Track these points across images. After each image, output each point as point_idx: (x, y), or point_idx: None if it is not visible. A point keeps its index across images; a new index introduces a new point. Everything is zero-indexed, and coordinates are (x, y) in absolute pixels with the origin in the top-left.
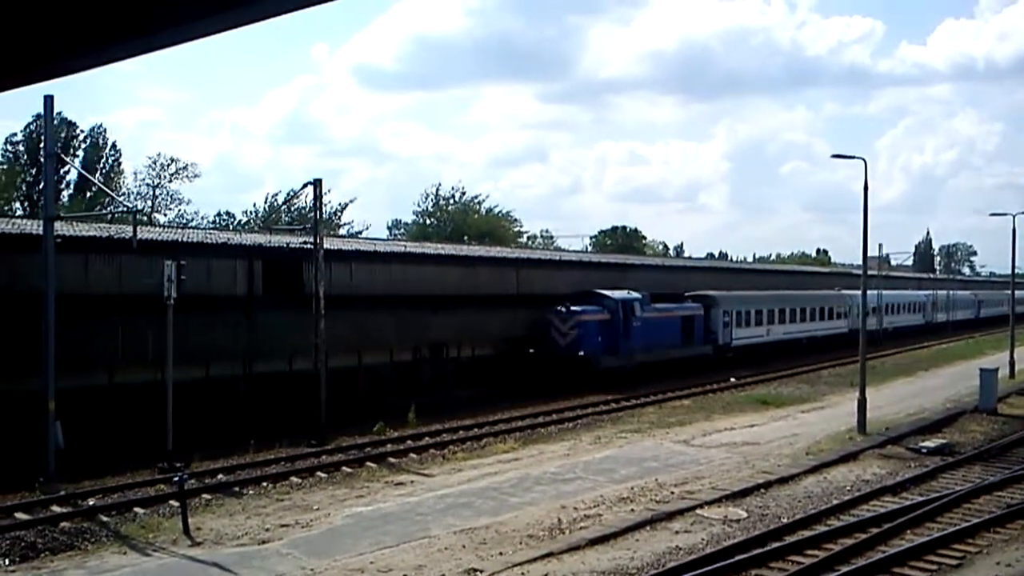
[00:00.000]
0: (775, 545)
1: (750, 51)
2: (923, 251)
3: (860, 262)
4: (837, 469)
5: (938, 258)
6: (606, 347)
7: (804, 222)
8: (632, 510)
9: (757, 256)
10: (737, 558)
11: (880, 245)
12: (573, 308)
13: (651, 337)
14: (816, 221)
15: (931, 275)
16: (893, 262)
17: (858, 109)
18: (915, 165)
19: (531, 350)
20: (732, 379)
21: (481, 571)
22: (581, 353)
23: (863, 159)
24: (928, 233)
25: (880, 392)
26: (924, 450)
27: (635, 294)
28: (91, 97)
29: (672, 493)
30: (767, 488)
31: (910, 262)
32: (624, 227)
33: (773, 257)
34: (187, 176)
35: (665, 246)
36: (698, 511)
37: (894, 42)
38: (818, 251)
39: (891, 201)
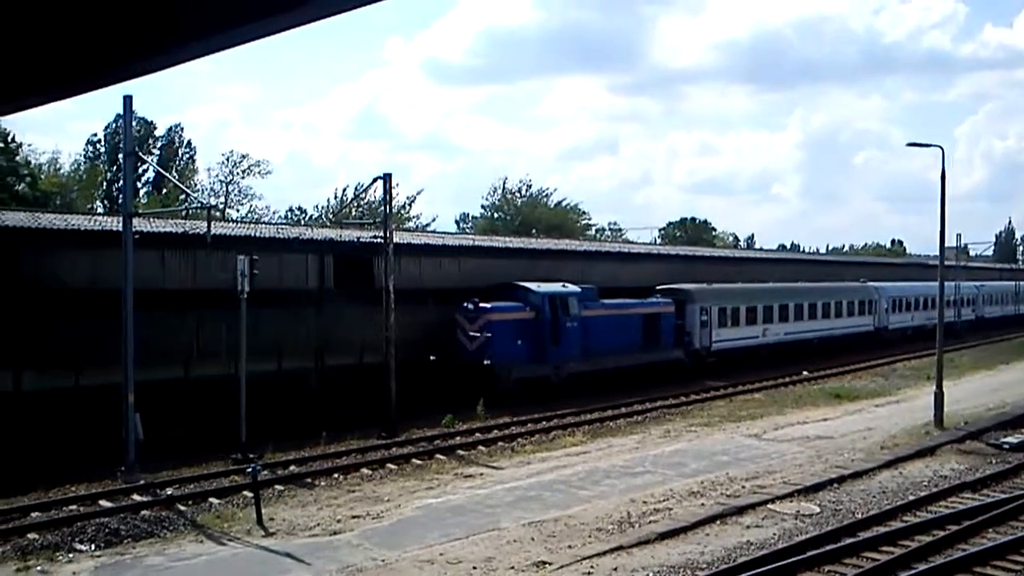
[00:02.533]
0: (848, 541)
1: (825, 39)
2: (1004, 241)
3: (937, 253)
4: (913, 464)
5: (1021, 248)
6: (526, 353)
7: (878, 212)
8: (702, 504)
9: (830, 247)
10: (809, 554)
11: (958, 235)
12: (482, 305)
13: (595, 340)
14: (891, 211)
15: (1012, 266)
16: (972, 252)
17: (936, 96)
18: (997, 152)
19: (432, 357)
20: (804, 372)
21: (550, 564)
22: (486, 362)
23: (940, 147)
24: (1010, 222)
25: (958, 386)
26: (1006, 446)
27: (571, 287)
28: (169, 97)
29: (743, 487)
30: (840, 483)
31: (990, 252)
32: (694, 219)
33: (846, 248)
34: (259, 172)
35: (735, 237)
36: (769, 505)
37: (978, 25)
38: (893, 242)
39: (971, 189)
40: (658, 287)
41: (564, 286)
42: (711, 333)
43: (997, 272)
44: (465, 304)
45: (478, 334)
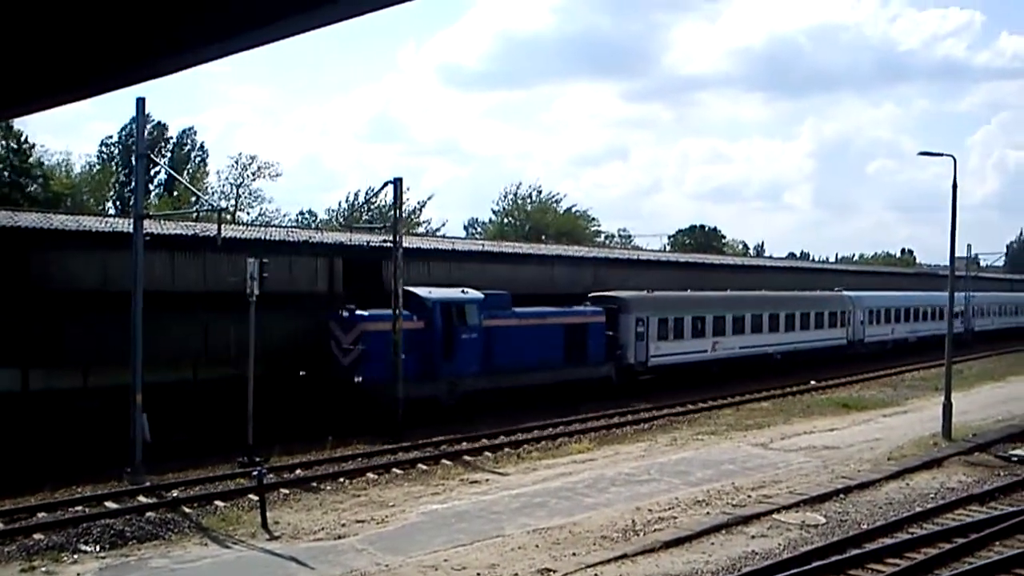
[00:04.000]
0: (854, 552)
1: (839, 47)
2: (1016, 251)
3: (947, 263)
4: (920, 475)
5: None
6: (411, 369)
7: (890, 221)
8: (708, 513)
9: (840, 256)
10: (815, 564)
11: (969, 245)
12: (358, 312)
13: (503, 355)
14: (902, 220)
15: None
16: (983, 263)
17: (950, 105)
18: (1010, 162)
19: (302, 372)
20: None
21: (555, 571)
22: (357, 379)
23: (952, 156)
24: (1021, 232)
25: (967, 397)
26: (1015, 458)
27: (473, 293)
28: (183, 100)
29: (749, 496)
30: (847, 493)
31: (1002, 262)
32: (703, 226)
33: (856, 257)
34: (269, 175)
35: (745, 245)
36: (775, 515)
37: (994, 33)
38: (903, 251)
39: (983, 199)
40: (590, 294)
41: (464, 291)
42: (648, 346)
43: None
44: (341, 311)
45: (352, 347)
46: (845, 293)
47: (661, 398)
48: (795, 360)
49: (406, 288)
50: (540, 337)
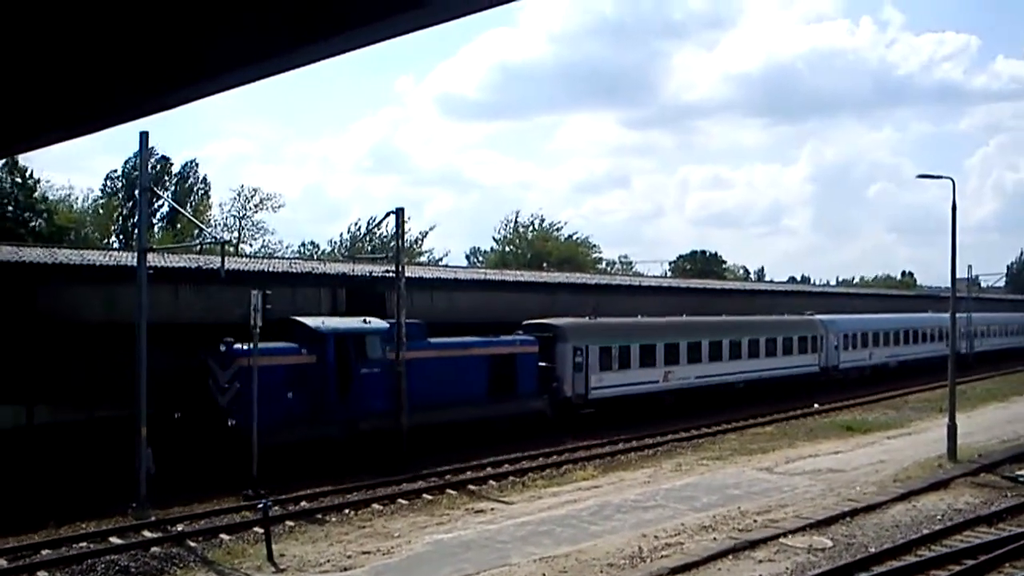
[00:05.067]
0: (862, 575)
1: (837, 72)
2: (1016, 272)
3: (948, 284)
4: (927, 497)
5: None
6: (299, 410)
7: (890, 244)
8: (714, 539)
9: (840, 279)
10: None
11: (969, 266)
12: (235, 346)
13: (412, 391)
14: (902, 243)
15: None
16: (984, 284)
17: (948, 127)
18: (1008, 183)
19: (177, 414)
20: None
21: None
22: (231, 422)
23: (951, 178)
24: (1021, 253)
25: (971, 418)
26: (1021, 478)
27: (376, 323)
28: (186, 133)
29: (755, 521)
30: (853, 516)
31: (1002, 284)
32: (704, 252)
33: (857, 280)
34: (271, 206)
35: (746, 270)
36: (782, 540)
37: (990, 56)
38: (903, 273)
39: (982, 221)
40: (525, 322)
41: (366, 321)
42: (588, 378)
43: (1008, 303)
44: (221, 344)
45: (228, 384)
46: (817, 317)
47: (602, 434)
48: (762, 389)
49: (293, 318)
50: (460, 370)
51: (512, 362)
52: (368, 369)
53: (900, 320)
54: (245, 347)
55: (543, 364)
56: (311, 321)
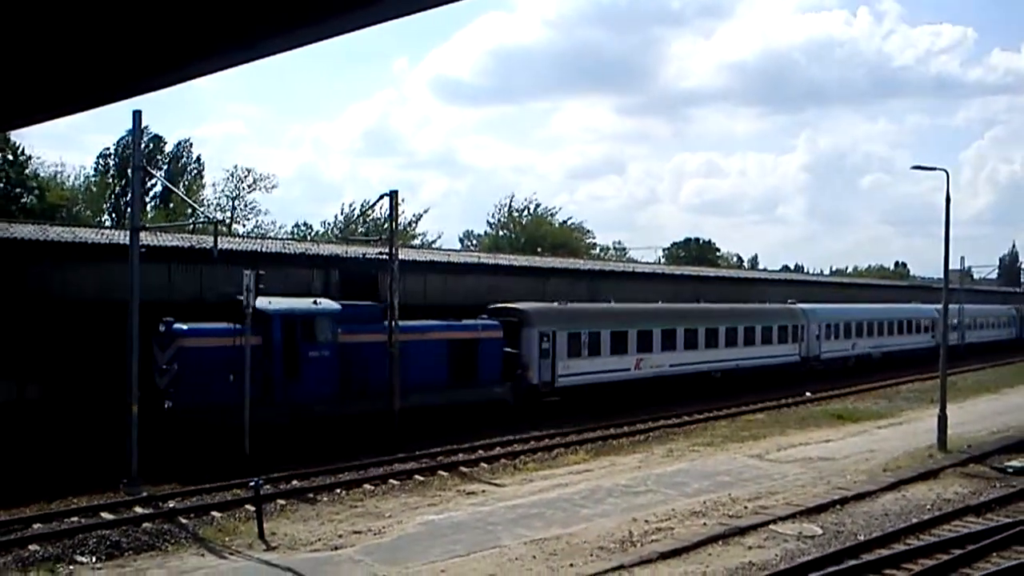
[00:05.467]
0: (851, 563)
1: (833, 62)
2: (1008, 264)
3: (941, 275)
4: (916, 487)
5: None
6: (251, 393)
7: (884, 235)
8: (704, 524)
9: (834, 269)
10: (811, 575)
11: (962, 258)
12: (176, 326)
13: (366, 375)
14: (896, 234)
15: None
16: (976, 275)
17: (943, 120)
18: (1002, 176)
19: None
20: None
21: None
22: (167, 404)
23: (945, 170)
24: (1014, 246)
25: (961, 409)
26: (1010, 469)
27: (325, 304)
28: (180, 112)
29: (745, 508)
30: (843, 504)
31: (995, 276)
32: (697, 239)
33: (850, 270)
34: (264, 187)
35: (739, 258)
36: (772, 526)
37: (986, 49)
38: (897, 264)
39: (976, 213)
40: (490, 306)
41: (317, 302)
42: (555, 365)
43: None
44: (160, 324)
45: (167, 366)
46: (799, 305)
47: (567, 422)
48: (740, 379)
49: (238, 297)
50: (417, 355)
51: (475, 347)
52: (317, 352)
53: (885, 311)
54: (186, 327)
55: (509, 350)
56: (257, 301)
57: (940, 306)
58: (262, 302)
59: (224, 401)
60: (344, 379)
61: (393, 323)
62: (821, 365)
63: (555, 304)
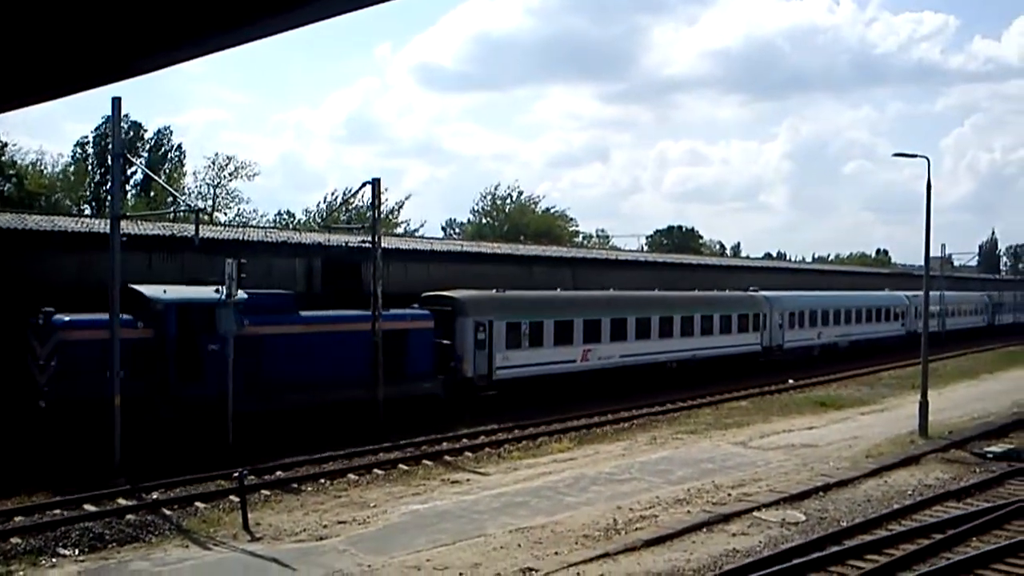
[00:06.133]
0: (834, 549)
1: (816, 49)
2: (988, 251)
3: (922, 263)
4: (898, 473)
5: (1004, 259)
6: (131, 391)
7: (866, 222)
8: (688, 511)
9: (816, 256)
10: (795, 561)
11: (943, 245)
12: (56, 318)
13: (275, 370)
14: (878, 221)
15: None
16: (956, 263)
17: (925, 107)
18: (982, 164)
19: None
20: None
21: (537, 571)
22: (41, 403)
23: (926, 158)
24: (993, 233)
25: (942, 395)
26: (990, 455)
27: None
28: (160, 99)
29: (729, 495)
30: (826, 491)
31: (975, 263)
32: (680, 227)
33: (832, 257)
34: (246, 175)
35: (722, 246)
36: (755, 513)
37: (967, 37)
38: (878, 251)
39: (957, 201)
40: (423, 294)
41: (218, 291)
42: (492, 356)
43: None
44: (38, 316)
45: (47, 362)
46: (761, 293)
47: (504, 418)
48: (697, 369)
49: (130, 286)
50: (335, 347)
51: (402, 339)
52: (218, 345)
53: (852, 298)
54: (67, 318)
55: (442, 341)
56: (149, 290)
57: (911, 293)
58: (154, 290)
59: (104, 399)
60: (251, 375)
61: (376, 312)
62: (784, 355)
63: (493, 292)
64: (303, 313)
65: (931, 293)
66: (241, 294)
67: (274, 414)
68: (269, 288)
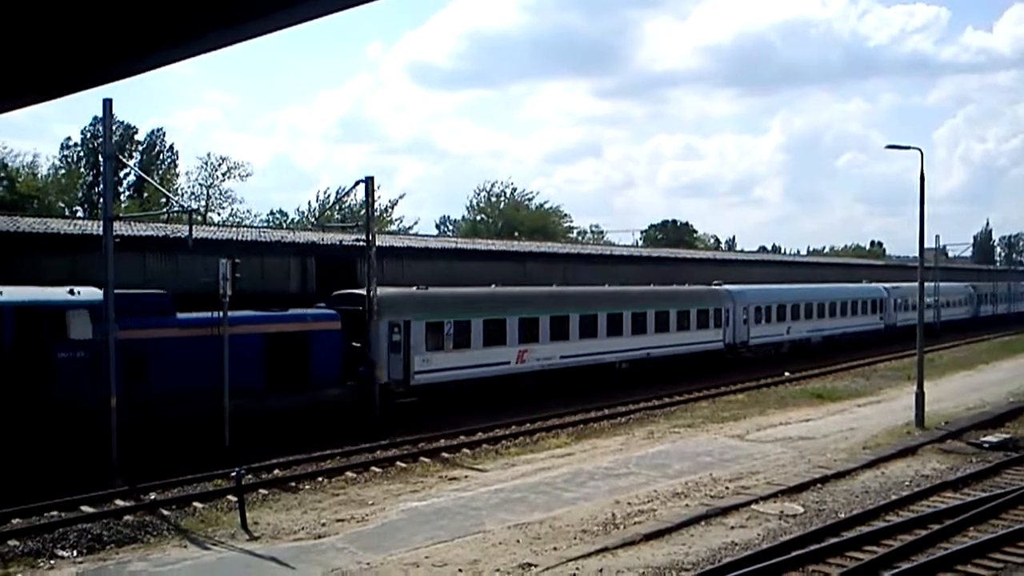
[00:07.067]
0: (832, 541)
1: (809, 42)
2: (982, 242)
3: (916, 254)
4: (895, 464)
5: (998, 249)
6: None
7: (859, 215)
8: (687, 505)
9: (810, 249)
10: (793, 554)
11: (937, 236)
12: None
13: (148, 380)
14: (872, 214)
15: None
16: (951, 254)
17: (917, 99)
18: (976, 154)
19: None
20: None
21: (536, 566)
22: None
23: (919, 149)
24: (987, 224)
25: (938, 386)
26: (986, 445)
27: (85, 292)
28: (152, 100)
29: (727, 488)
30: (823, 483)
31: (969, 253)
32: (675, 221)
33: (826, 250)
34: (239, 175)
35: (716, 240)
36: (753, 506)
37: (958, 28)
38: (873, 243)
39: (950, 192)
40: (334, 293)
41: (72, 291)
42: (410, 360)
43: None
44: None
45: None
46: (724, 287)
47: (422, 428)
48: (650, 369)
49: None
50: (222, 353)
51: (303, 342)
52: (69, 353)
53: (825, 291)
54: None
55: (354, 344)
56: None
57: (889, 285)
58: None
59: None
60: (120, 384)
61: (372, 309)
62: (750, 352)
63: (413, 289)
64: (183, 315)
65: (911, 286)
66: (95, 293)
67: (152, 427)
68: (265, 289)
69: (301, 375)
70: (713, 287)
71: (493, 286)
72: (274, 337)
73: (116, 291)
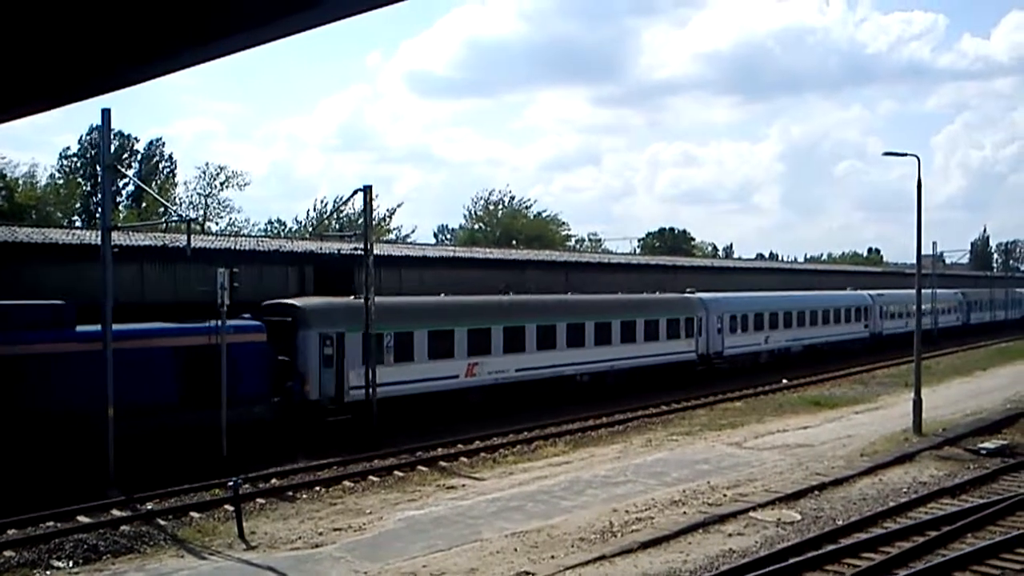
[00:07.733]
0: (830, 548)
1: (807, 50)
2: (979, 249)
3: (914, 261)
4: (893, 471)
5: (995, 256)
6: None
7: (857, 222)
8: (684, 513)
9: (808, 256)
10: (791, 561)
11: (934, 243)
12: None
13: (43, 398)
14: (870, 220)
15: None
16: (948, 260)
17: (915, 106)
18: (973, 161)
19: None
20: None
21: (534, 574)
22: None
23: (916, 156)
24: (985, 230)
25: (935, 392)
26: (983, 451)
27: None
28: (151, 110)
29: (724, 496)
30: (821, 490)
31: (966, 260)
32: (673, 229)
33: (824, 257)
34: (237, 184)
35: (714, 247)
36: (751, 514)
37: (956, 35)
38: (870, 250)
39: (948, 198)
40: (264, 303)
41: None
42: (344, 374)
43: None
44: None
45: None
46: (697, 295)
47: (358, 449)
48: (614, 382)
49: None
50: (131, 368)
51: (231, 356)
52: None
53: (805, 298)
54: None
55: (281, 358)
56: None
57: (874, 292)
58: None
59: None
60: (5, 404)
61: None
62: (725, 363)
63: (349, 299)
64: (84, 328)
65: (897, 292)
66: None
67: (46, 449)
68: (262, 295)
69: (226, 392)
70: (685, 295)
71: (442, 295)
72: (189, 351)
73: (3, 302)
